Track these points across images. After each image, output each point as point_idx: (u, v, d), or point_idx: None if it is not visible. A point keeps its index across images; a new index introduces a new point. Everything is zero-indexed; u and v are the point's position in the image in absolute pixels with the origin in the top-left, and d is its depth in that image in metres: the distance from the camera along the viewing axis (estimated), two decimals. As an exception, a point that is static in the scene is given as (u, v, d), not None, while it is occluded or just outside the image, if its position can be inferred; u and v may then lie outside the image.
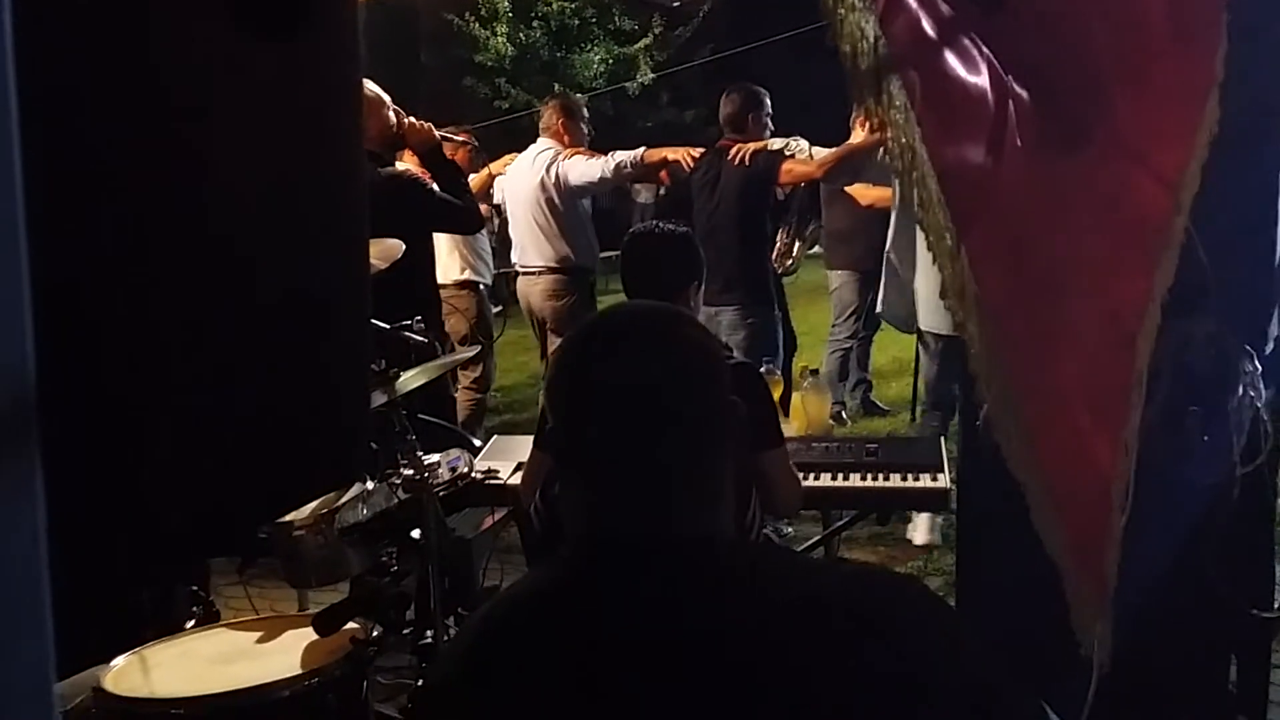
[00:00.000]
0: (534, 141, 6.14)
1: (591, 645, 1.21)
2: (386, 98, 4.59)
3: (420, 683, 3.30)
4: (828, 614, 1.19)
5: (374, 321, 3.22)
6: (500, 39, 18.27)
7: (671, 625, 1.19)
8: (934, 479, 3.59)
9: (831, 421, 4.99)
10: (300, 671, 2.54)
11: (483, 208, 5.74)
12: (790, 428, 4.03)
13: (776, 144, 5.53)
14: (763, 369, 3.77)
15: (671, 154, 5.59)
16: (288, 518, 3.07)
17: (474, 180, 5.45)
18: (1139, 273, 2.01)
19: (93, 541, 0.98)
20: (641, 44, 18.96)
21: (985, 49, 2.08)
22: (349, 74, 1.34)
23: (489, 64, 18.38)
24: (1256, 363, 2.46)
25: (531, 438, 3.31)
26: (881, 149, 5.22)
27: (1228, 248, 2.23)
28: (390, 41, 15.56)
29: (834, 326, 7.45)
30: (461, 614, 3.79)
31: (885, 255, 5.28)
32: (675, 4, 19.06)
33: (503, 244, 7.13)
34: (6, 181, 0.56)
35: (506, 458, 3.83)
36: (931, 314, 4.88)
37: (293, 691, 2.48)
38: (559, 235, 5.86)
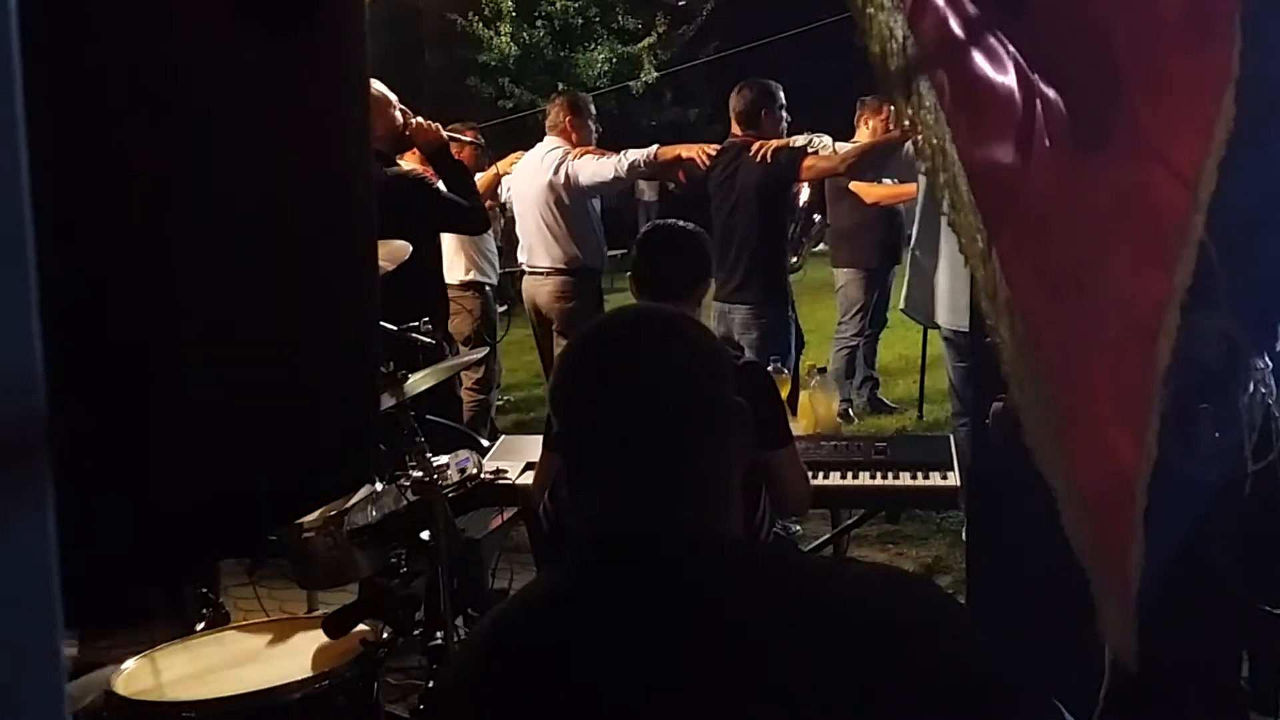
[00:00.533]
0: (539, 140, 6.10)
1: (601, 647, 1.21)
2: (394, 97, 4.59)
3: (431, 684, 3.30)
4: (840, 614, 1.19)
5: (382, 323, 3.22)
6: (504, 39, 18.28)
7: (681, 626, 1.19)
8: (943, 477, 3.58)
9: (839, 420, 4.98)
10: (311, 674, 2.54)
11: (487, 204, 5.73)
12: (798, 426, 4.02)
13: (800, 141, 5.43)
14: (770, 368, 3.76)
15: (686, 152, 5.48)
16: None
17: (480, 179, 5.42)
18: (1160, 271, 2.00)
19: (101, 542, 0.97)
20: (645, 43, 18.96)
21: (1011, 48, 2.07)
22: (357, 74, 1.34)
23: (493, 64, 18.39)
24: (1267, 359, 2.45)
25: (540, 438, 3.31)
26: (909, 146, 5.23)
27: (1238, 244, 2.22)
28: (394, 42, 15.59)
29: (840, 324, 7.44)
30: (471, 615, 3.79)
31: (910, 251, 5.24)
32: (679, 3, 19.08)
33: (508, 243, 7.12)
34: (12, 185, 0.56)
35: (515, 458, 3.83)
36: (952, 311, 4.86)
37: (303, 694, 2.48)
38: (567, 236, 5.82)
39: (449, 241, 5.80)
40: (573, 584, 1.31)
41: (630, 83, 17.75)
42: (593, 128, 6.03)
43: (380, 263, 2.62)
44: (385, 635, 2.72)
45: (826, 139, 5.64)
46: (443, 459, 3.39)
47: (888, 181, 6.80)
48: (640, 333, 1.38)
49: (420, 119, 4.64)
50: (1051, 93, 2.07)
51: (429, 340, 3.50)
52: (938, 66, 2.00)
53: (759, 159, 5.22)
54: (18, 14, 0.55)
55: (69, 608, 0.59)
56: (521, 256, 6.04)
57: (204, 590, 3.21)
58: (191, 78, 1.08)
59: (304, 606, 3.88)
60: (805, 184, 6.00)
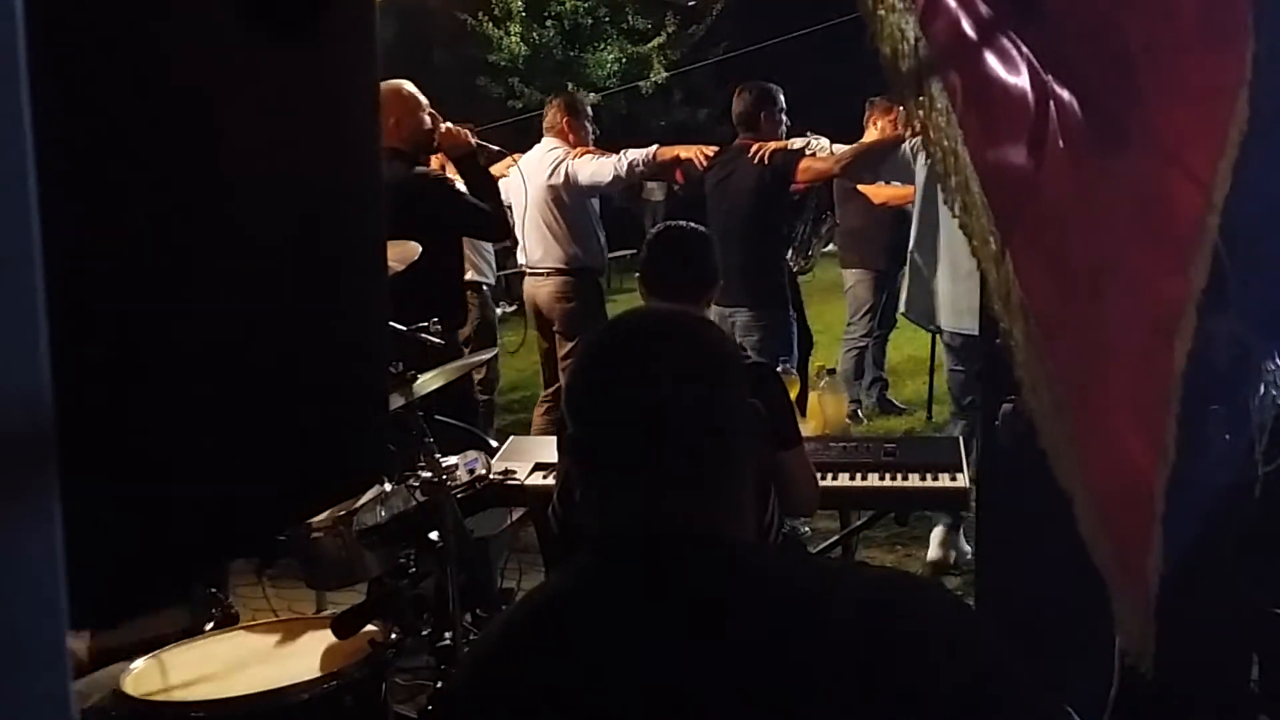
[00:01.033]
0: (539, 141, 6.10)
1: (614, 648, 1.21)
2: (424, 100, 4.61)
3: (440, 685, 3.30)
4: (848, 618, 1.18)
5: (391, 324, 3.22)
6: (513, 38, 18.29)
7: (692, 628, 1.19)
8: (953, 478, 3.57)
9: (848, 421, 4.98)
10: (319, 674, 2.54)
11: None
12: (807, 427, 4.02)
13: (798, 143, 5.45)
14: (779, 369, 3.76)
15: (685, 152, 5.50)
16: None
17: None
18: (1175, 272, 1.99)
19: (110, 543, 0.97)
20: (655, 43, 18.95)
21: (1024, 49, 2.06)
22: (366, 76, 1.34)
23: (502, 64, 18.40)
24: (1278, 361, 2.44)
25: (551, 439, 3.31)
26: (906, 147, 5.25)
27: (1249, 245, 2.22)
28: (403, 41, 15.61)
29: (849, 325, 7.43)
30: (480, 615, 3.79)
31: (910, 254, 5.25)
32: (689, 3, 19.06)
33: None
34: (19, 193, 0.56)
35: (523, 458, 3.83)
36: (952, 314, 4.86)
37: (311, 694, 2.48)
38: (567, 236, 5.81)
39: None
40: (583, 585, 1.31)
41: (640, 83, 17.73)
42: (590, 128, 6.04)
43: (390, 263, 2.63)
44: (394, 636, 2.72)
45: (824, 141, 5.66)
46: (451, 459, 3.39)
47: (895, 184, 6.80)
48: (655, 334, 1.38)
49: (450, 124, 4.66)
50: (1065, 94, 2.06)
51: (437, 340, 3.50)
52: (950, 68, 2.00)
53: (756, 161, 5.23)
54: (24, 21, 0.55)
55: (79, 609, 0.60)
56: (521, 257, 6.02)
57: (213, 590, 3.21)
58: (201, 82, 1.08)
59: (313, 606, 3.89)
60: (805, 186, 6.00)
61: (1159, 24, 2.02)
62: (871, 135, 6.69)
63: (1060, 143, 2.05)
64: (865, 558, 4.80)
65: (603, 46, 18.92)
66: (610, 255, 14.81)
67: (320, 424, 1.31)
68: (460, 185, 4.77)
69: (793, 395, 3.69)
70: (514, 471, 3.69)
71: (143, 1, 1.01)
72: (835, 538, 4.30)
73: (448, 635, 3.30)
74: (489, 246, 6.47)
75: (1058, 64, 2.07)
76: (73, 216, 0.87)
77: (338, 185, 1.31)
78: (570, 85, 17.24)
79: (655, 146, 5.63)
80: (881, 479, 3.60)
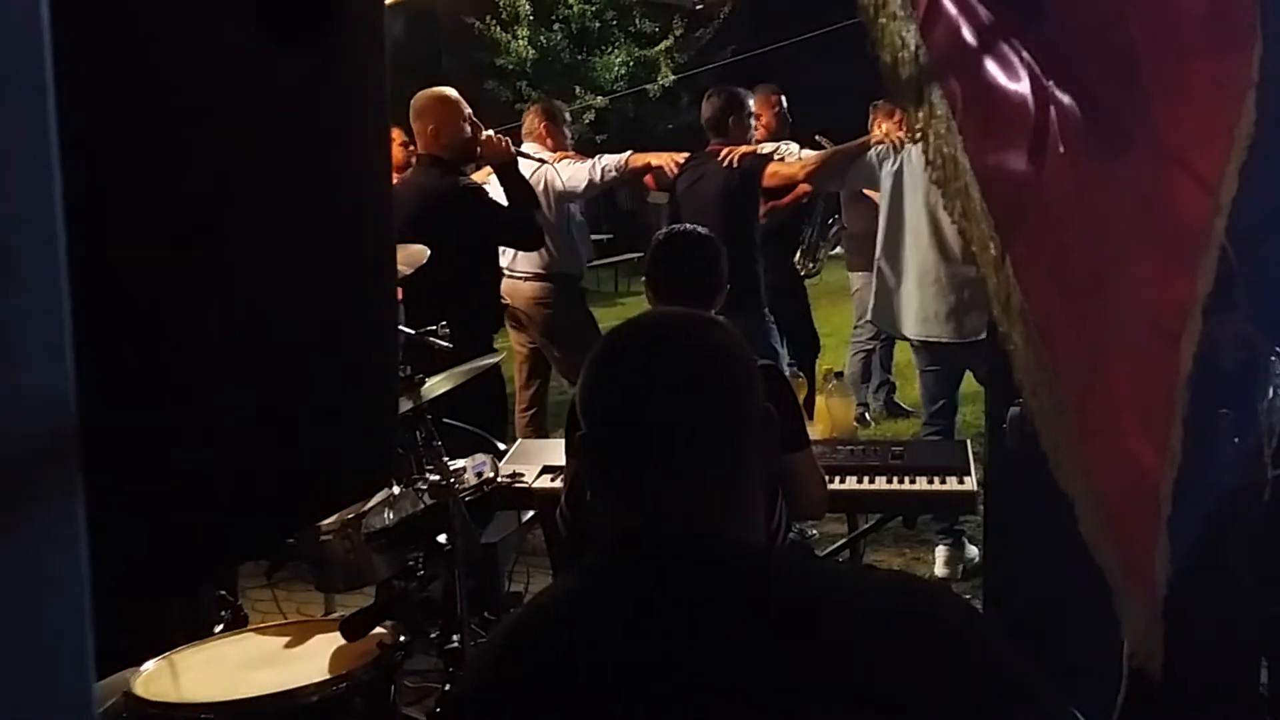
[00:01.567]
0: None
1: (621, 650, 1.21)
2: (466, 108, 4.64)
3: (448, 688, 3.30)
4: (857, 621, 1.19)
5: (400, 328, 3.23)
6: (521, 42, 18.30)
7: (702, 630, 1.19)
8: (960, 481, 3.57)
9: (856, 424, 4.98)
10: (328, 676, 2.55)
11: None
12: (815, 430, 4.02)
13: (767, 148, 5.49)
14: (787, 372, 3.76)
15: (655, 159, 5.55)
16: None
17: None
18: (1182, 275, 1.99)
19: (121, 545, 0.98)
20: (662, 46, 18.94)
21: (1026, 55, 2.06)
22: (375, 83, 1.34)
23: (510, 67, 18.41)
24: (1287, 363, 2.44)
25: (559, 442, 3.31)
26: (872, 154, 5.28)
27: (1258, 248, 2.22)
28: (411, 45, 15.63)
29: (856, 328, 7.43)
30: (488, 618, 3.80)
31: (876, 261, 5.28)
32: (696, 6, 19.05)
33: None
34: (46, 199, 0.57)
35: (532, 462, 3.84)
36: (920, 321, 4.90)
37: (320, 696, 2.48)
38: (547, 241, 5.81)
39: None
40: (591, 587, 1.31)
41: (647, 86, 17.74)
42: (568, 134, 6.08)
43: (399, 267, 2.63)
44: (402, 638, 2.72)
45: (794, 146, 5.70)
46: (459, 463, 3.40)
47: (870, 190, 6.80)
48: (670, 336, 1.38)
49: (492, 133, 4.69)
50: (1067, 99, 2.06)
51: (445, 344, 3.50)
52: (950, 75, 2.00)
53: (726, 165, 5.27)
54: (51, 29, 0.56)
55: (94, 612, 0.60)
56: (502, 261, 6.02)
57: (223, 593, 3.22)
58: (220, 89, 1.09)
59: (321, 609, 3.90)
60: (808, 191, 6.01)
61: (1166, 28, 2.02)
62: (877, 136, 6.70)
63: (1061, 148, 2.06)
64: (873, 561, 4.80)
65: (610, 50, 18.92)
66: (617, 258, 14.77)
67: (329, 427, 1.31)
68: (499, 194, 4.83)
69: (800, 398, 3.70)
70: (522, 474, 3.70)
71: (162, 11, 1.02)
72: (843, 541, 4.30)
73: (456, 638, 3.30)
74: None
75: (1061, 66, 2.08)
76: (97, 220, 0.88)
77: (346, 192, 1.31)
78: (578, 89, 17.27)
79: (629, 153, 5.67)
80: (889, 482, 3.61)
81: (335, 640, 2.67)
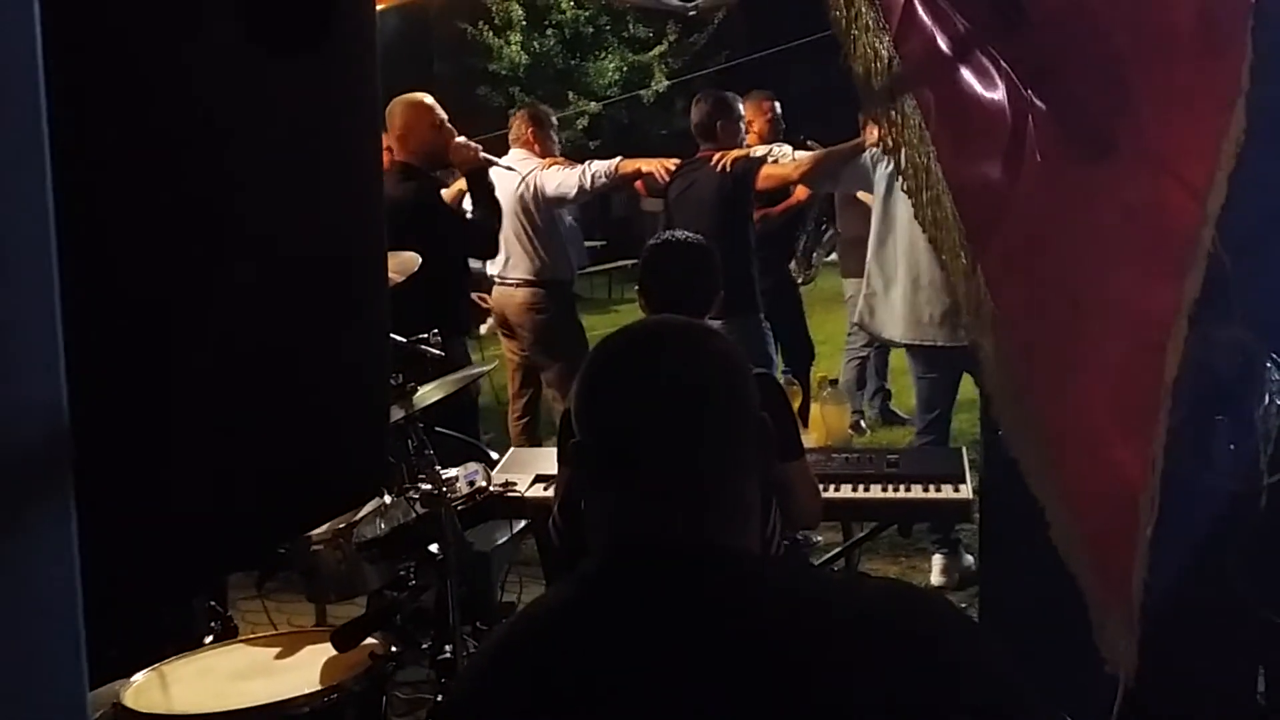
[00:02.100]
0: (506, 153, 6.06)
1: (614, 658, 1.21)
2: (440, 113, 4.63)
3: (440, 698, 3.29)
4: (852, 630, 1.18)
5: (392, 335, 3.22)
6: (514, 48, 18.32)
7: (696, 639, 1.18)
8: (956, 489, 3.56)
9: (851, 432, 4.97)
10: (319, 687, 2.54)
11: None
12: (810, 438, 4.01)
13: (760, 151, 5.48)
14: (781, 379, 3.75)
15: (646, 165, 5.53)
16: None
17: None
18: (1166, 283, 1.98)
19: (113, 556, 0.97)
20: (656, 51, 18.96)
21: (1004, 63, 2.06)
22: (367, 89, 1.34)
23: (503, 73, 18.43)
24: (1284, 369, 2.43)
25: (551, 450, 3.30)
26: (867, 155, 5.27)
27: (1251, 252, 2.21)
28: (404, 51, 15.63)
29: (850, 335, 7.42)
30: (480, 628, 3.78)
31: (867, 265, 5.27)
32: (690, 11, 19.08)
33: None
34: (40, 211, 0.56)
35: (524, 470, 3.83)
36: (914, 325, 4.89)
37: (312, 707, 2.48)
38: (536, 248, 5.79)
39: None
40: (585, 596, 1.30)
41: (641, 91, 17.76)
42: (555, 139, 6.06)
43: (390, 274, 2.63)
44: (394, 649, 2.71)
45: (787, 148, 5.69)
46: (452, 471, 3.39)
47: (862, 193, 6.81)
48: (664, 344, 1.37)
49: (463, 138, 4.67)
50: (1048, 107, 2.06)
51: (437, 352, 3.49)
52: (923, 86, 2.00)
53: (719, 169, 5.25)
54: (43, 39, 0.55)
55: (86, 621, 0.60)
56: (492, 269, 6.00)
57: (213, 603, 3.21)
58: (212, 97, 1.08)
59: (312, 619, 3.88)
60: (808, 195, 6.00)
61: (1154, 35, 2.01)
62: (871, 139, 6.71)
63: (1038, 156, 2.05)
64: (868, 569, 4.79)
65: (604, 55, 18.95)
66: (611, 265, 14.75)
67: (320, 437, 1.30)
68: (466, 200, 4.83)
69: (795, 406, 3.69)
70: (514, 483, 3.68)
71: (156, 20, 1.01)
72: (838, 549, 4.29)
73: (448, 648, 3.29)
74: None
75: (1043, 73, 2.07)
76: (90, 231, 0.87)
77: (339, 200, 1.31)
78: (571, 94, 17.28)
79: (619, 159, 5.65)
80: (884, 490, 3.59)
81: (326, 651, 2.67)
